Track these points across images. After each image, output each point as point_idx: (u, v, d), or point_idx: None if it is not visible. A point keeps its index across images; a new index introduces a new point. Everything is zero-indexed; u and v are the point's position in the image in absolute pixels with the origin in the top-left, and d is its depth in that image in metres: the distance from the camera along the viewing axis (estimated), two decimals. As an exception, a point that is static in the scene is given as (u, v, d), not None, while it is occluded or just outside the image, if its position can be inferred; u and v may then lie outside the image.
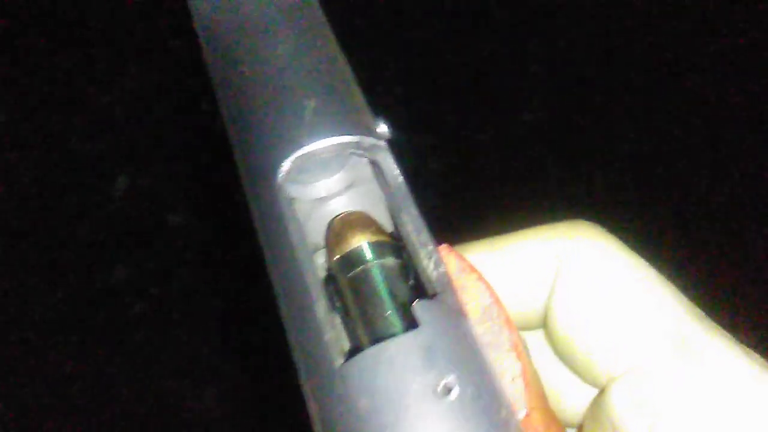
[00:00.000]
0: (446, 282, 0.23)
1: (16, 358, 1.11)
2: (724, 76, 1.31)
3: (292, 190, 0.26)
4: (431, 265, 0.24)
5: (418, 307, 0.21)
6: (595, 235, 0.28)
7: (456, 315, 0.22)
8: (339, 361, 0.21)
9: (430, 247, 0.24)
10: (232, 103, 0.26)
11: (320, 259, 0.28)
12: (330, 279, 0.26)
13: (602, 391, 0.27)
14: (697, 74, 1.31)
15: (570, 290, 0.28)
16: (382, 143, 0.25)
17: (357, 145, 0.25)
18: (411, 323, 0.22)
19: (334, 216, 0.28)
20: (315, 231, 0.28)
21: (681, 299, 0.27)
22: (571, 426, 0.31)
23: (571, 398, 0.30)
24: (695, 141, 1.25)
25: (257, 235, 0.25)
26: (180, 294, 1.17)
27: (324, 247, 0.28)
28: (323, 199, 0.28)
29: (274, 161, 0.24)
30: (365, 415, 0.20)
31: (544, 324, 0.29)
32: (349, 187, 0.28)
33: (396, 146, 0.27)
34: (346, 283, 0.25)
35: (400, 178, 0.25)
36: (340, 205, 0.28)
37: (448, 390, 0.20)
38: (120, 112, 1.31)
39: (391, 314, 0.24)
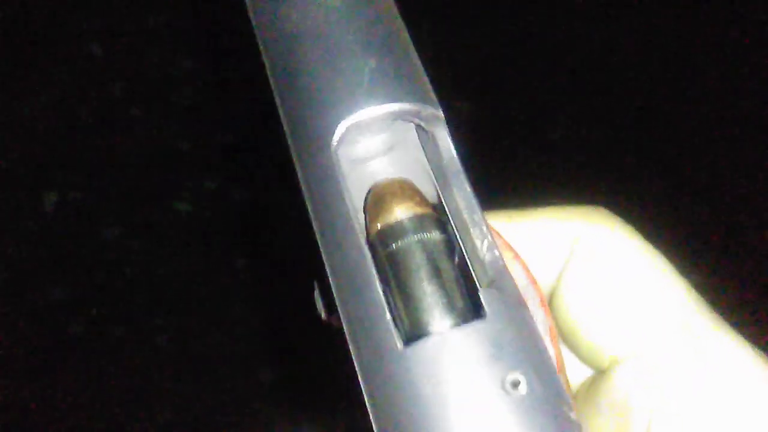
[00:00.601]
0: (502, 267, 0.22)
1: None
2: (726, 76, 1.33)
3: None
4: (485, 248, 0.23)
5: (485, 295, 0.21)
6: (613, 223, 0.29)
7: (519, 305, 0.21)
8: (400, 343, 0.20)
9: (484, 228, 0.23)
10: (281, 57, 0.24)
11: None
12: (370, 247, 0.25)
13: (602, 373, 0.28)
14: (703, 73, 1.33)
15: (582, 272, 0.28)
16: (441, 114, 0.24)
17: (416, 114, 0.24)
18: (471, 310, 0.21)
19: (374, 180, 0.26)
20: (353, 194, 0.26)
21: (691, 291, 0.28)
22: None
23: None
24: (696, 141, 1.28)
25: (305, 201, 0.23)
26: (120, 312, 1.11)
27: (362, 212, 0.26)
28: (363, 160, 0.26)
29: (329, 123, 0.23)
30: (429, 403, 0.20)
31: (548, 302, 0.29)
32: (390, 149, 0.27)
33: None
34: (387, 254, 0.24)
35: (455, 153, 0.24)
36: (379, 168, 0.27)
37: (515, 385, 0.20)
38: (43, 123, 1.23)
39: (445, 297, 0.23)
